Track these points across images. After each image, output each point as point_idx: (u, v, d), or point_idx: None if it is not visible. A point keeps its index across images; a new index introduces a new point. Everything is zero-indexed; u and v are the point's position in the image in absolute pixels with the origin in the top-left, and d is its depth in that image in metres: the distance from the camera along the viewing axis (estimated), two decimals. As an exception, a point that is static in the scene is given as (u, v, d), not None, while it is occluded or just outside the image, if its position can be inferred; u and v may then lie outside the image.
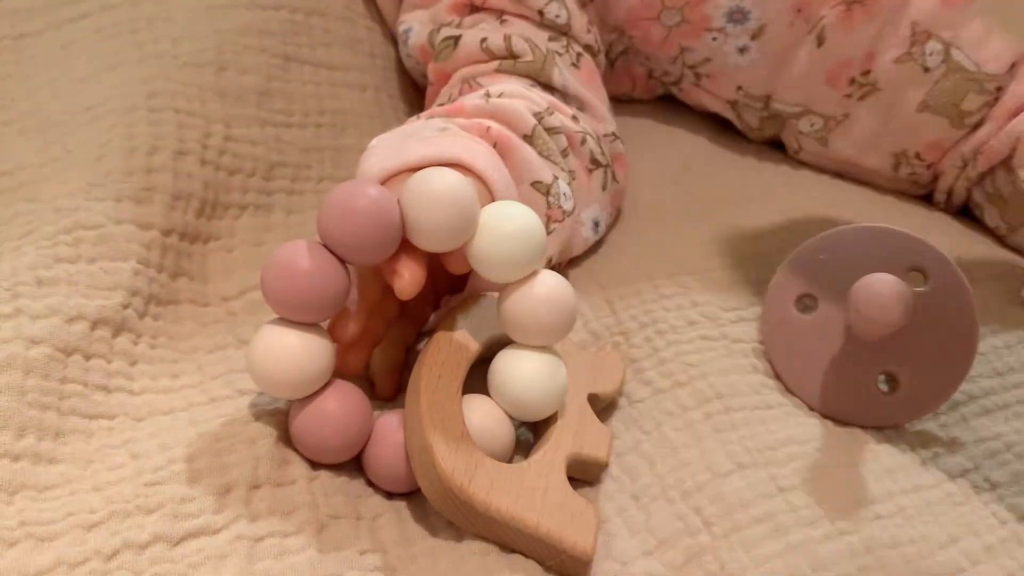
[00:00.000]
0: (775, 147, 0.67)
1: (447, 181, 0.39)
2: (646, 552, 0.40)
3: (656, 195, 0.60)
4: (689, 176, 0.63)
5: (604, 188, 0.55)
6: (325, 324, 0.41)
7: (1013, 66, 0.58)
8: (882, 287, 0.43)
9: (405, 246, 0.39)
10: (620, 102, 0.67)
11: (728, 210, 0.59)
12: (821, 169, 0.66)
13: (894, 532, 0.41)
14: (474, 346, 0.42)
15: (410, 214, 0.38)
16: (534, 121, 0.49)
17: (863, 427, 0.47)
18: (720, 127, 0.68)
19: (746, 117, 0.65)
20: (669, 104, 0.69)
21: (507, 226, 0.40)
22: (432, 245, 0.39)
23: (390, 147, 0.44)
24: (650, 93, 0.68)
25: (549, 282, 0.41)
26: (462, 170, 0.42)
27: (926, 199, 0.66)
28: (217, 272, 0.48)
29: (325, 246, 0.38)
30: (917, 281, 0.47)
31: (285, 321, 0.39)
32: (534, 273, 0.41)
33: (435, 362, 0.40)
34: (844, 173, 0.65)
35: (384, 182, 0.42)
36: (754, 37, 0.61)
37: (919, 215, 0.64)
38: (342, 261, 0.38)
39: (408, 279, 0.39)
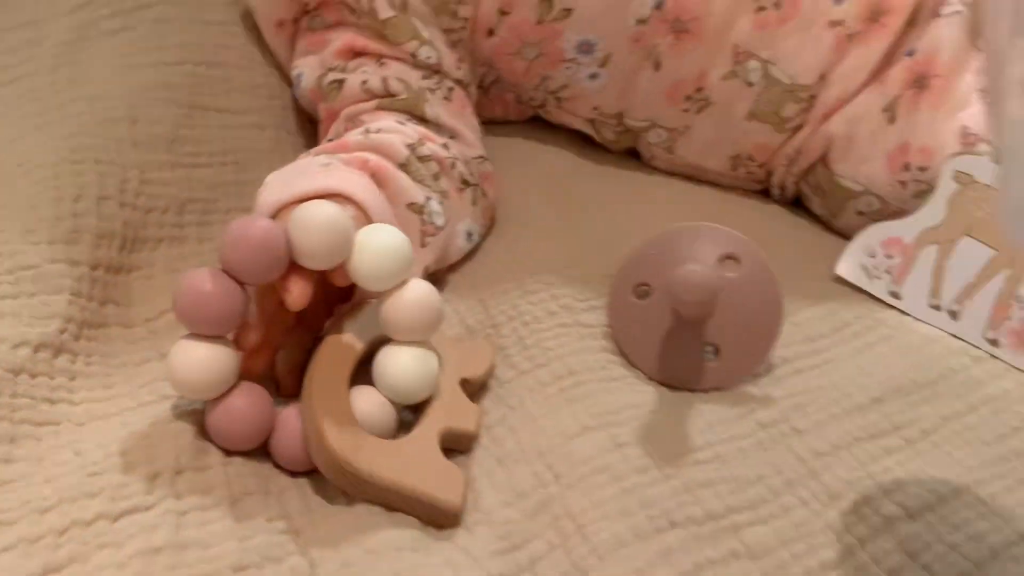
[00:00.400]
0: (632, 156, 0.77)
1: (324, 211, 0.47)
2: (506, 503, 0.49)
3: (526, 206, 0.70)
4: (556, 187, 0.72)
5: (475, 203, 0.64)
6: (231, 336, 0.49)
7: (822, 77, 0.68)
8: (689, 274, 0.53)
9: (293, 266, 0.47)
10: (496, 124, 0.76)
11: (589, 215, 0.69)
12: (672, 173, 0.75)
13: (710, 474, 0.51)
14: (359, 345, 0.51)
15: (295, 240, 0.47)
16: (407, 152, 0.58)
17: (692, 391, 0.56)
18: (584, 142, 0.77)
19: (604, 132, 0.75)
20: (538, 124, 0.78)
21: (378, 244, 0.48)
22: (315, 264, 0.47)
23: (281, 182, 0.52)
24: (521, 116, 0.78)
25: (418, 288, 0.50)
26: (342, 199, 0.51)
27: (764, 193, 0.75)
28: (140, 298, 0.56)
29: (225, 271, 0.46)
30: (731, 267, 0.57)
31: (195, 335, 0.47)
32: (405, 281, 0.49)
33: (325, 361, 0.49)
34: (692, 176, 0.75)
35: (276, 213, 0.51)
36: (602, 65, 0.70)
37: (757, 208, 0.73)
38: (239, 282, 0.47)
39: (297, 294, 0.47)
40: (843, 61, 0.68)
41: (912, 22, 0.68)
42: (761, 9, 0.67)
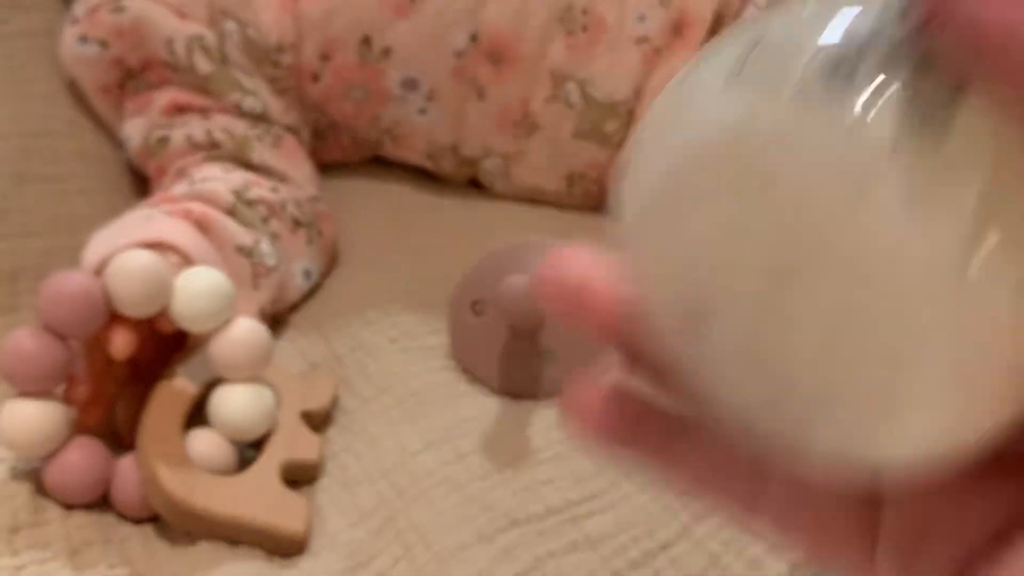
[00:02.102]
0: (475, 186, 0.79)
1: (138, 258, 0.48)
2: (351, 525, 0.50)
3: (368, 242, 0.71)
4: (398, 222, 0.74)
5: (311, 243, 0.65)
6: (62, 391, 0.49)
7: (636, 92, 0.72)
8: (512, 286, 0.55)
9: (115, 317, 0.48)
10: (335, 167, 0.77)
11: (431, 245, 0.71)
12: (513, 198, 0.78)
13: (551, 472, 0.52)
14: (192, 388, 0.51)
15: (112, 290, 0.48)
16: (232, 198, 0.59)
17: (534, 398, 0.58)
18: (425, 176, 0.79)
19: (443, 165, 0.77)
20: (380, 163, 0.80)
21: (197, 287, 0.49)
22: (135, 312, 0.48)
23: (104, 238, 0.53)
24: (361, 156, 0.79)
25: (243, 326, 0.51)
26: (162, 247, 0.52)
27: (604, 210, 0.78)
28: (-26, 368, 0.56)
29: (45, 327, 0.47)
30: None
31: (24, 394, 0.47)
32: (229, 320, 0.51)
33: (157, 406, 0.50)
34: (533, 198, 0.78)
35: (100, 269, 0.51)
36: (429, 99, 0.73)
37: (596, 225, 0.76)
38: (61, 337, 0.47)
39: (120, 343, 0.48)
40: (654, 74, 0.71)
41: (713, 33, 0.72)
42: (570, 33, 0.71)
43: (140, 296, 0.48)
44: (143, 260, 0.48)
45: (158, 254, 0.49)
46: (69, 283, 0.47)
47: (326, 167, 0.74)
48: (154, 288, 0.48)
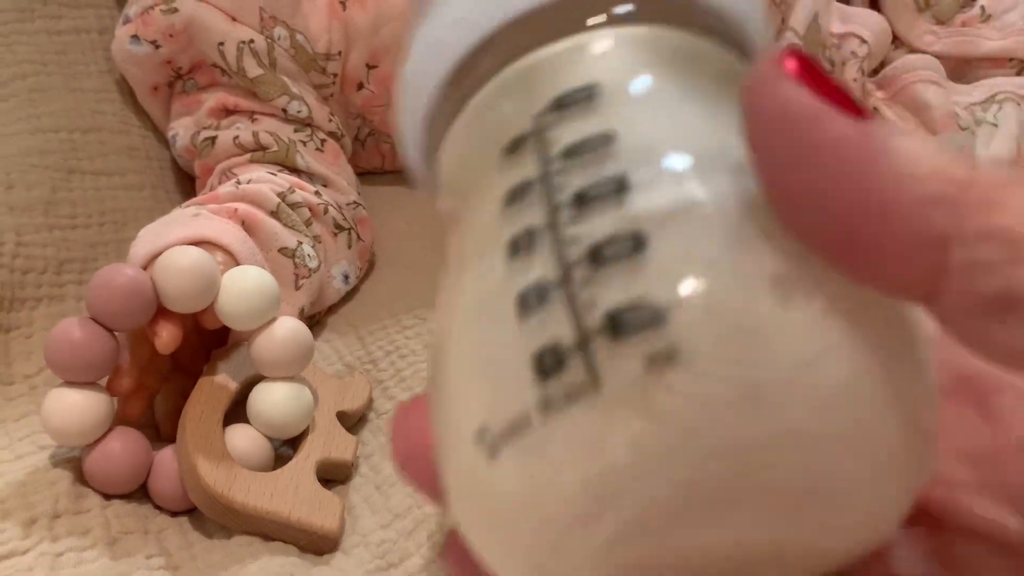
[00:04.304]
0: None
1: (188, 255, 0.49)
2: (383, 525, 0.50)
3: (405, 248, 0.72)
4: (434, 229, 0.75)
5: (350, 247, 0.66)
6: (105, 382, 0.50)
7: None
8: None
9: (162, 311, 0.49)
10: (375, 174, 0.78)
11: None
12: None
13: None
14: (233, 384, 0.52)
15: (161, 285, 0.49)
16: (277, 200, 0.61)
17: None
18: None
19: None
20: (417, 171, 0.81)
21: (244, 285, 0.50)
22: (183, 308, 0.49)
23: (152, 234, 0.54)
24: (399, 163, 0.80)
25: (286, 325, 0.52)
26: (210, 246, 0.53)
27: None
28: (19, 355, 0.57)
29: (93, 319, 0.48)
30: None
31: (68, 383, 0.48)
32: (273, 320, 0.52)
33: (199, 401, 0.51)
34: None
35: (147, 264, 0.52)
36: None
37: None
38: (108, 329, 0.48)
39: (166, 338, 0.49)
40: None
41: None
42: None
43: (188, 292, 0.49)
44: (192, 257, 0.49)
45: (205, 252, 0.50)
46: (119, 276, 0.48)
47: (365, 173, 0.75)
48: (202, 285, 0.49)
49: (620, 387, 0.16)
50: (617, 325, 0.16)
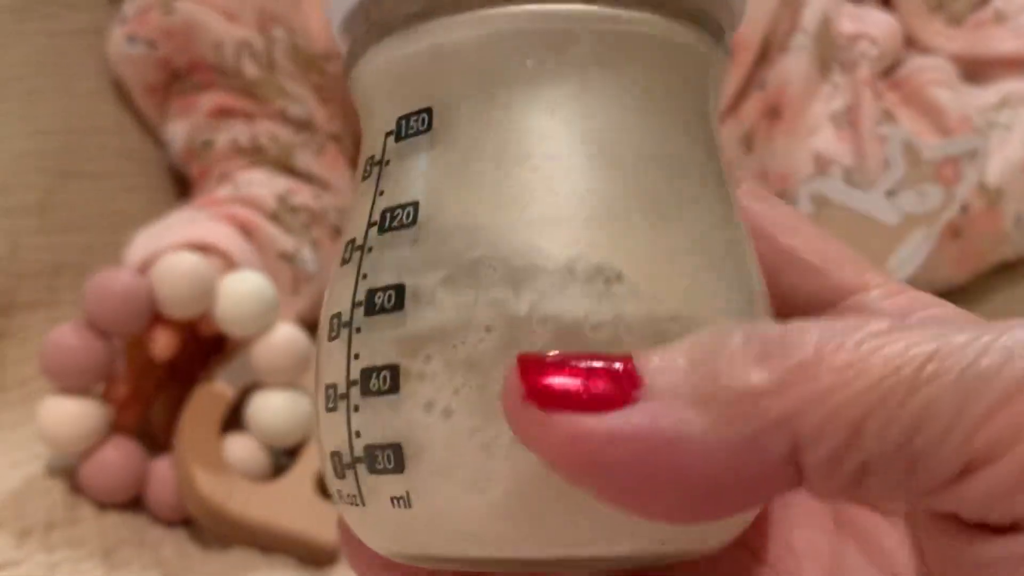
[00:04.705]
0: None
1: (185, 261, 0.48)
2: (384, 536, 0.49)
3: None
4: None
5: (351, 251, 0.65)
6: (101, 389, 0.49)
7: None
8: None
9: (158, 317, 0.48)
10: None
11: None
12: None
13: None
14: (230, 392, 0.51)
15: (158, 291, 0.48)
16: (276, 203, 0.60)
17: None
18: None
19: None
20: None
21: (241, 291, 0.49)
22: (179, 314, 0.48)
23: (148, 238, 0.53)
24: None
25: (284, 332, 0.51)
26: (207, 249, 0.52)
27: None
28: (14, 361, 0.56)
29: (89, 325, 0.47)
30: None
31: (63, 391, 0.47)
32: (271, 326, 0.50)
33: (196, 409, 0.50)
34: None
35: (143, 268, 0.51)
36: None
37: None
38: (104, 335, 0.47)
39: (162, 344, 0.48)
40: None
41: (762, 57, 0.71)
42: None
43: (185, 298, 0.48)
44: (190, 262, 0.48)
45: (203, 256, 0.49)
46: (116, 281, 0.47)
47: (366, 175, 0.74)
48: (199, 291, 0.48)
49: (373, 512, 0.19)
50: (371, 461, 0.18)
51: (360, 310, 0.19)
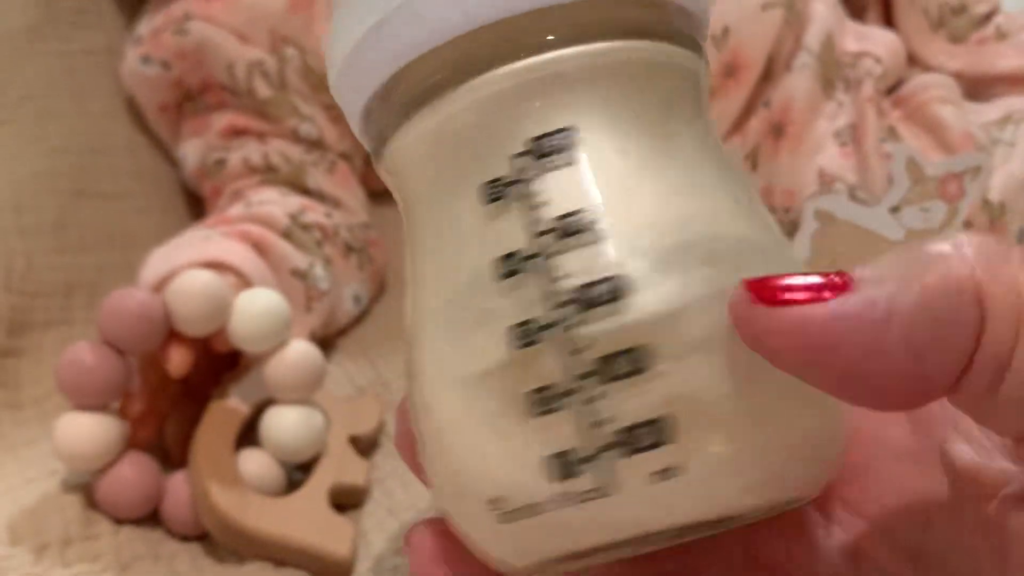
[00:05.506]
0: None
1: (199, 278, 0.49)
2: (396, 551, 0.50)
3: (415, 269, 0.72)
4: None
5: (362, 268, 0.66)
6: (117, 406, 0.50)
7: None
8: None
9: (173, 334, 0.49)
10: (386, 195, 0.78)
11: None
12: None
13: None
14: (244, 408, 0.52)
15: (172, 308, 0.48)
16: (288, 221, 0.60)
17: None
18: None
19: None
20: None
21: (255, 308, 0.50)
22: (194, 331, 0.49)
23: (162, 257, 0.54)
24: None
25: (298, 348, 0.51)
26: (221, 268, 0.52)
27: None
28: (29, 380, 0.57)
29: (105, 342, 0.48)
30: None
31: (79, 407, 0.48)
32: (285, 342, 0.51)
33: (210, 425, 0.50)
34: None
35: (158, 286, 0.52)
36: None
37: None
38: (120, 352, 0.48)
39: (177, 361, 0.48)
40: (705, 115, 0.72)
41: (766, 76, 0.72)
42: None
43: (200, 315, 0.48)
44: (204, 280, 0.49)
45: (217, 274, 0.50)
46: (130, 299, 0.48)
47: (375, 194, 0.74)
48: (214, 308, 0.49)
49: (624, 497, 0.19)
50: (627, 444, 0.19)
51: (570, 308, 0.20)
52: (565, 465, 0.19)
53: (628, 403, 0.19)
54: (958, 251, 0.18)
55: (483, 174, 0.21)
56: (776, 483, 0.20)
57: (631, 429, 0.19)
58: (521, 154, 0.21)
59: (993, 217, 0.64)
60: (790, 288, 0.18)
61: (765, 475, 0.19)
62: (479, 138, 0.21)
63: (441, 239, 0.22)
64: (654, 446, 0.19)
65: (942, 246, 0.18)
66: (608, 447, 0.19)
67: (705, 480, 0.19)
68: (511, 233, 0.21)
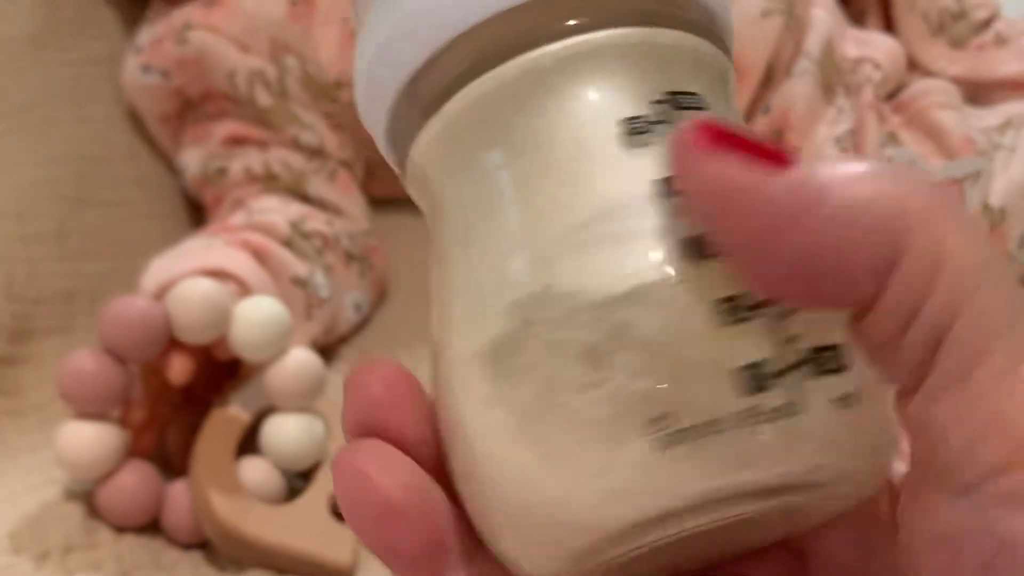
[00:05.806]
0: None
1: (200, 286, 0.49)
2: (397, 558, 0.50)
3: (415, 277, 0.72)
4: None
5: (363, 276, 0.66)
6: (118, 414, 0.50)
7: None
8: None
9: (174, 342, 0.49)
10: (386, 203, 0.78)
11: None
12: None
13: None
14: (245, 416, 0.52)
15: (173, 316, 0.48)
16: (289, 229, 0.60)
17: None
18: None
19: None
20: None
21: (255, 316, 0.50)
22: (195, 339, 0.49)
23: (163, 265, 0.54)
24: (410, 192, 0.80)
25: (298, 356, 0.51)
26: (222, 276, 0.53)
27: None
28: (30, 387, 0.57)
29: (106, 350, 0.48)
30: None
31: (81, 415, 0.48)
32: (286, 350, 0.51)
33: (211, 433, 0.50)
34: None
35: (159, 294, 0.52)
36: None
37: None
38: (121, 360, 0.48)
39: (178, 369, 0.48)
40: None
41: (767, 82, 0.72)
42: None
43: (200, 323, 0.48)
44: (205, 288, 0.49)
45: (218, 282, 0.50)
46: (132, 308, 0.48)
47: (376, 202, 0.74)
48: (214, 316, 0.49)
49: (810, 419, 0.18)
50: (815, 364, 0.18)
51: None
52: (757, 378, 0.18)
53: (815, 323, 0.18)
54: (907, 179, 0.17)
55: (622, 112, 0.20)
56: (864, 455, 0.19)
57: (819, 350, 0.18)
58: (661, 101, 0.20)
59: (993, 222, 0.64)
60: (734, 141, 0.17)
61: (873, 442, 0.19)
62: (621, 77, 0.20)
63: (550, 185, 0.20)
64: (837, 370, 0.18)
65: (891, 165, 0.18)
66: (799, 364, 0.18)
67: (877, 413, 0.19)
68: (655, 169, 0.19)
